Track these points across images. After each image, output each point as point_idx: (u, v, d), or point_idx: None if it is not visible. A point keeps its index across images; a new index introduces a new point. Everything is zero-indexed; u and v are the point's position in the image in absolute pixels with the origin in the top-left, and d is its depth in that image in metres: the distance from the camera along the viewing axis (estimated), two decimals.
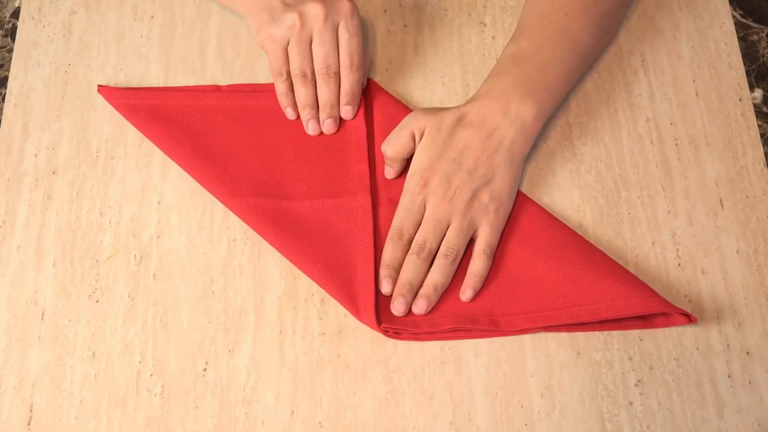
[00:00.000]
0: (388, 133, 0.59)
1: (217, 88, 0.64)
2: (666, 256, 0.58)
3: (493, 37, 0.67)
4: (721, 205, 0.60)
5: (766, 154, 0.62)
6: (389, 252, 0.56)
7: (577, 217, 0.60)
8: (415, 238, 0.56)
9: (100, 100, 0.65)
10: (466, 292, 0.55)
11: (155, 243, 0.59)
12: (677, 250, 0.59)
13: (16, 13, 0.70)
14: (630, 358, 0.55)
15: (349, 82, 0.61)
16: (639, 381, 0.54)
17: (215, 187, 0.59)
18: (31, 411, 0.55)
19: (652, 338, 0.55)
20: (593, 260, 0.56)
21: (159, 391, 0.55)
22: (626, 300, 0.53)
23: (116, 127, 0.64)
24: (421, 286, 0.56)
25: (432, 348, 0.56)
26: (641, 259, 0.58)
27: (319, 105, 0.62)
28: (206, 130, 0.62)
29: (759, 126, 0.63)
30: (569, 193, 0.61)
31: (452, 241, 0.56)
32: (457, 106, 0.59)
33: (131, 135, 0.63)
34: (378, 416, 0.54)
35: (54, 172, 0.62)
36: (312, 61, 0.61)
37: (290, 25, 0.60)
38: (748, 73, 0.65)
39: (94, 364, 0.56)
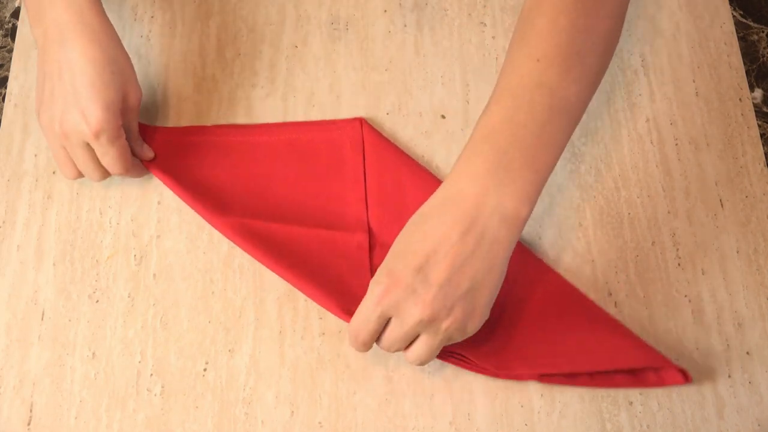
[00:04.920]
0: (380, 176, 0.59)
1: (210, 128, 0.64)
2: (666, 256, 0.58)
3: (493, 37, 0.67)
4: (721, 205, 0.60)
5: (766, 154, 0.62)
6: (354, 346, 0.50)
7: (577, 217, 0.60)
8: (381, 343, 0.50)
9: None
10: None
11: (155, 243, 0.59)
12: (677, 250, 0.59)
13: (16, 13, 0.70)
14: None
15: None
16: None
17: (205, 210, 0.58)
18: (31, 411, 0.55)
19: (652, 338, 0.55)
20: (594, 319, 0.55)
21: (159, 391, 0.55)
22: (625, 353, 0.53)
23: None
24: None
25: None
26: (641, 259, 0.58)
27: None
28: (199, 164, 0.61)
29: (759, 126, 0.63)
30: (569, 193, 0.61)
31: (421, 355, 0.49)
32: (420, 210, 0.49)
33: None
34: (378, 416, 0.54)
35: (54, 172, 0.62)
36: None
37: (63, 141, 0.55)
38: (748, 73, 0.65)
39: (94, 364, 0.56)
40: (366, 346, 0.50)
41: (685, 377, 0.52)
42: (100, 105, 0.53)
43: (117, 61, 0.55)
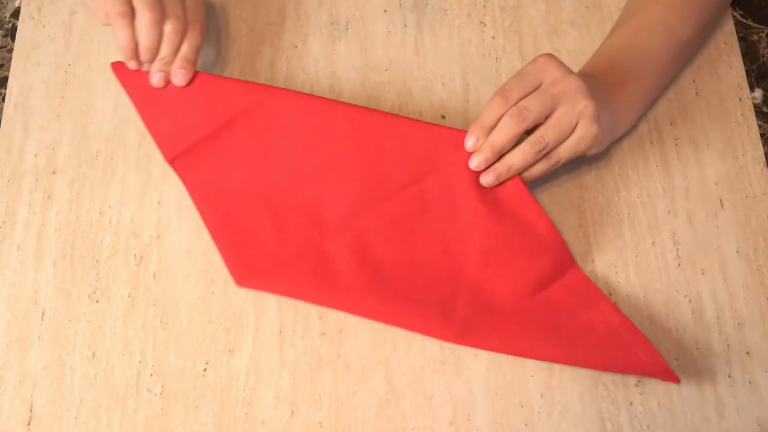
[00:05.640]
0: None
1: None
2: (666, 256, 0.58)
3: (493, 37, 0.67)
4: (721, 205, 0.60)
5: (766, 154, 0.62)
6: (488, 112, 0.55)
7: (577, 217, 0.60)
8: (519, 102, 0.54)
9: (100, 100, 0.65)
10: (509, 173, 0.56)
11: (155, 243, 0.59)
12: (677, 250, 0.59)
13: (16, 13, 0.70)
14: None
15: (188, 47, 0.58)
16: (639, 381, 0.54)
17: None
18: (31, 411, 0.55)
19: (652, 338, 0.55)
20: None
21: (159, 391, 0.55)
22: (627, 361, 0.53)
23: (116, 127, 0.64)
24: (503, 153, 0.55)
25: (432, 348, 0.56)
26: (641, 259, 0.58)
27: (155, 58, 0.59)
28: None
29: (759, 126, 0.63)
30: (569, 193, 0.61)
31: (546, 131, 0.54)
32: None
33: (131, 135, 0.63)
34: (378, 416, 0.54)
35: (54, 172, 0.62)
36: (161, 7, 0.57)
37: None
38: (748, 73, 0.65)
39: (94, 364, 0.56)
40: (509, 106, 0.54)
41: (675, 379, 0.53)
42: None
43: None
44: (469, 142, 0.55)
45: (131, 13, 0.56)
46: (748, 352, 0.55)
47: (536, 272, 0.55)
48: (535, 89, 0.54)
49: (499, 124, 0.54)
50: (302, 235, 0.57)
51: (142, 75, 0.59)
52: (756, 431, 0.53)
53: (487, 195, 0.56)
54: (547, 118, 0.54)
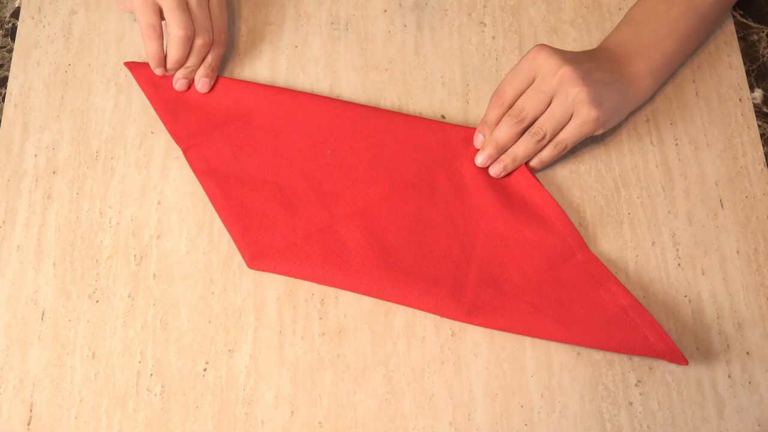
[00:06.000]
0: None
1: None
2: (666, 256, 0.58)
3: (493, 37, 0.67)
4: (721, 205, 0.60)
5: (766, 154, 0.62)
6: (489, 112, 0.60)
7: (577, 217, 0.60)
8: (516, 103, 0.58)
9: (100, 100, 0.65)
10: (531, 164, 0.60)
11: (155, 243, 0.59)
12: (677, 250, 0.59)
13: (16, 13, 0.70)
14: (630, 358, 0.55)
15: (213, 56, 0.63)
16: (639, 381, 0.54)
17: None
18: (31, 411, 0.55)
19: None
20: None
21: (159, 391, 0.55)
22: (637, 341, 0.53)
23: (116, 127, 0.64)
24: (507, 148, 0.59)
25: (432, 348, 0.56)
26: (641, 259, 0.58)
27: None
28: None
29: (759, 126, 0.63)
30: (569, 193, 0.61)
31: (544, 122, 0.58)
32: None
33: (131, 135, 0.63)
34: (378, 416, 0.54)
35: (54, 172, 0.62)
36: (192, 24, 0.60)
37: None
38: (748, 73, 0.65)
39: (94, 364, 0.56)
40: (504, 106, 0.59)
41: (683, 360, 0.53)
42: None
43: None
44: (477, 141, 0.60)
45: (161, 26, 0.60)
46: (748, 352, 0.55)
47: (545, 253, 0.57)
48: (530, 85, 0.58)
49: (500, 125, 0.59)
50: (314, 218, 0.58)
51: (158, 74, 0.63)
52: (756, 431, 0.53)
53: (496, 183, 0.60)
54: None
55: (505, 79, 0.59)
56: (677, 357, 0.53)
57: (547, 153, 0.59)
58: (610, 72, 0.58)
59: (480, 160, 0.59)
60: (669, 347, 0.52)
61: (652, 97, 0.64)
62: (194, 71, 0.63)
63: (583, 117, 0.57)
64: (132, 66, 0.64)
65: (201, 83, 0.63)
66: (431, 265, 0.56)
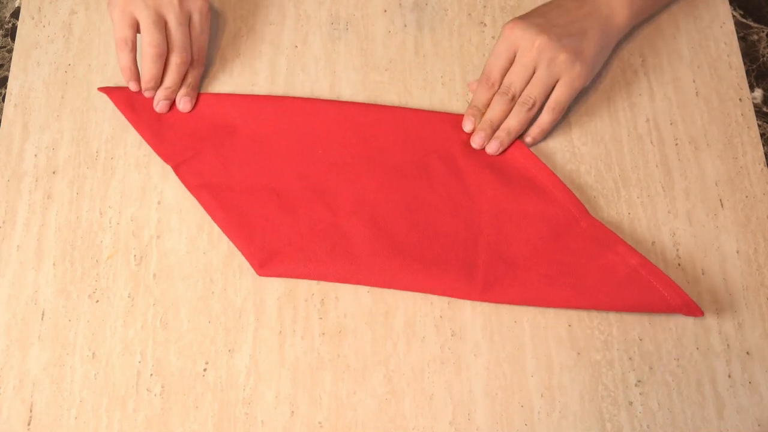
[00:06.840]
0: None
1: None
2: (666, 256, 0.58)
3: (493, 37, 0.67)
4: (721, 205, 0.60)
5: (766, 154, 0.62)
6: (477, 96, 0.61)
7: None
8: (503, 81, 0.60)
9: (100, 100, 0.65)
10: (526, 140, 0.61)
11: (155, 243, 0.59)
12: (677, 250, 0.59)
13: (16, 13, 0.70)
14: (630, 358, 0.55)
15: (193, 75, 0.63)
16: (639, 381, 0.55)
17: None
18: (31, 411, 0.55)
19: (652, 338, 0.55)
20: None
21: (159, 391, 0.55)
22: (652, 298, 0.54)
23: (116, 127, 0.64)
24: (501, 124, 0.61)
25: (432, 348, 0.56)
26: None
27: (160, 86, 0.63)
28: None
29: (759, 126, 0.63)
30: None
31: (531, 90, 0.59)
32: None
33: (131, 135, 0.63)
34: (378, 416, 0.54)
35: (54, 172, 0.62)
36: (165, 43, 0.61)
37: (146, 2, 0.59)
38: (748, 73, 0.65)
39: (94, 364, 0.56)
40: (494, 87, 0.61)
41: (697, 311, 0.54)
42: None
43: None
44: (468, 125, 0.62)
45: (134, 40, 0.61)
46: (748, 352, 0.55)
47: (549, 224, 0.58)
48: (512, 62, 0.60)
49: (492, 104, 0.61)
50: (316, 217, 0.58)
51: (137, 95, 0.63)
52: (756, 431, 0.53)
53: (492, 161, 0.61)
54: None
55: (488, 63, 0.61)
56: (693, 309, 0.54)
57: (545, 118, 0.60)
58: (583, 15, 0.60)
59: (476, 141, 0.61)
60: (684, 300, 0.54)
61: (652, 97, 0.64)
62: (175, 91, 0.62)
63: (570, 75, 0.59)
64: (108, 90, 0.64)
65: (182, 102, 0.63)
66: (439, 249, 0.57)
